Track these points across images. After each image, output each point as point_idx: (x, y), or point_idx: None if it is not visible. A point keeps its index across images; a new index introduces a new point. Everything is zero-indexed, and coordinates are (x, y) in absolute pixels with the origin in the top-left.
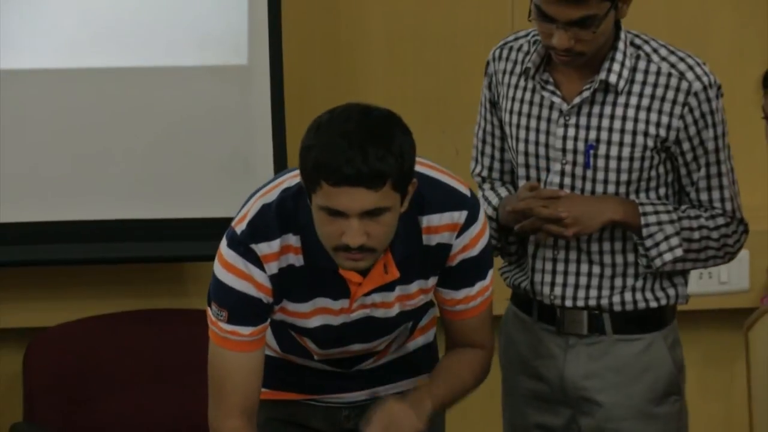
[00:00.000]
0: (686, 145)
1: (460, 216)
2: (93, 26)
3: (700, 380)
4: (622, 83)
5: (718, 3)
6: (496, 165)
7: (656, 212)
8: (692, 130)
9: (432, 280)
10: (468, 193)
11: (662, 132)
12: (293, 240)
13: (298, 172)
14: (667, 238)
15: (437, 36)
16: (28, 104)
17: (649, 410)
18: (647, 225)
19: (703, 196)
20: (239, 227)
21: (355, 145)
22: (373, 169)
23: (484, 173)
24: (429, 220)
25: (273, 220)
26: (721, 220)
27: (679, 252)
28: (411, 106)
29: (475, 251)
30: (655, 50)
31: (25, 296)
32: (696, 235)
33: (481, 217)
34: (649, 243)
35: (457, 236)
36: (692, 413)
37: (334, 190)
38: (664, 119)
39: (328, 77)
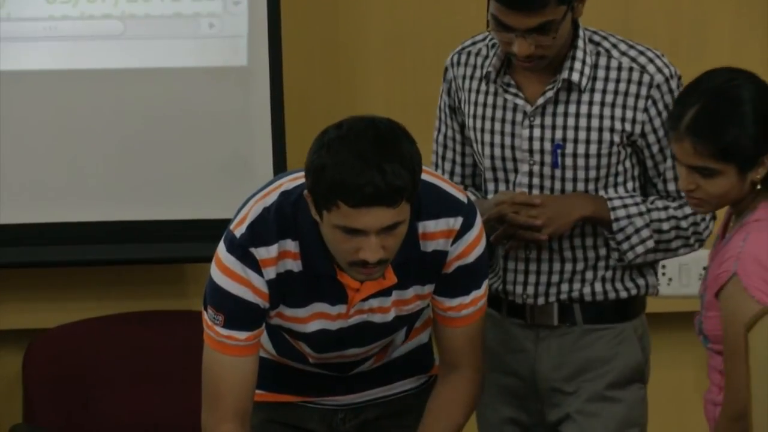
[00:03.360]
0: (652, 138)
1: (455, 222)
2: (92, 27)
3: (699, 382)
4: (585, 81)
5: (718, 3)
6: (458, 169)
7: (625, 206)
8: (657, 122)
9: (429, 287)
10: (464, 200)
11: (627, 126)
12: (291, 245)
13: (296, 175)
14: (637, 230)
15: (436, 38)
16: (28, 105)
17: (613, 394)
18: (617, 219)
19: (671, 186)
20: (239, 230)
21: (372, 164)
22: (391, 186)
23: (445, 177)
24: (425, 226)
25: (272, 224)
26: (689, 209)
27: (650, 243)
28: (410, 108)
29: (470, 258)
30: (614, 45)
31: (25, 297)
32: (665, 225)
33: (477, 224)
34: (620, 237)
35: (453, 243)
36: (691, 414)
37: (352, 211)
38: (629, 113)
39: (327, 79)
